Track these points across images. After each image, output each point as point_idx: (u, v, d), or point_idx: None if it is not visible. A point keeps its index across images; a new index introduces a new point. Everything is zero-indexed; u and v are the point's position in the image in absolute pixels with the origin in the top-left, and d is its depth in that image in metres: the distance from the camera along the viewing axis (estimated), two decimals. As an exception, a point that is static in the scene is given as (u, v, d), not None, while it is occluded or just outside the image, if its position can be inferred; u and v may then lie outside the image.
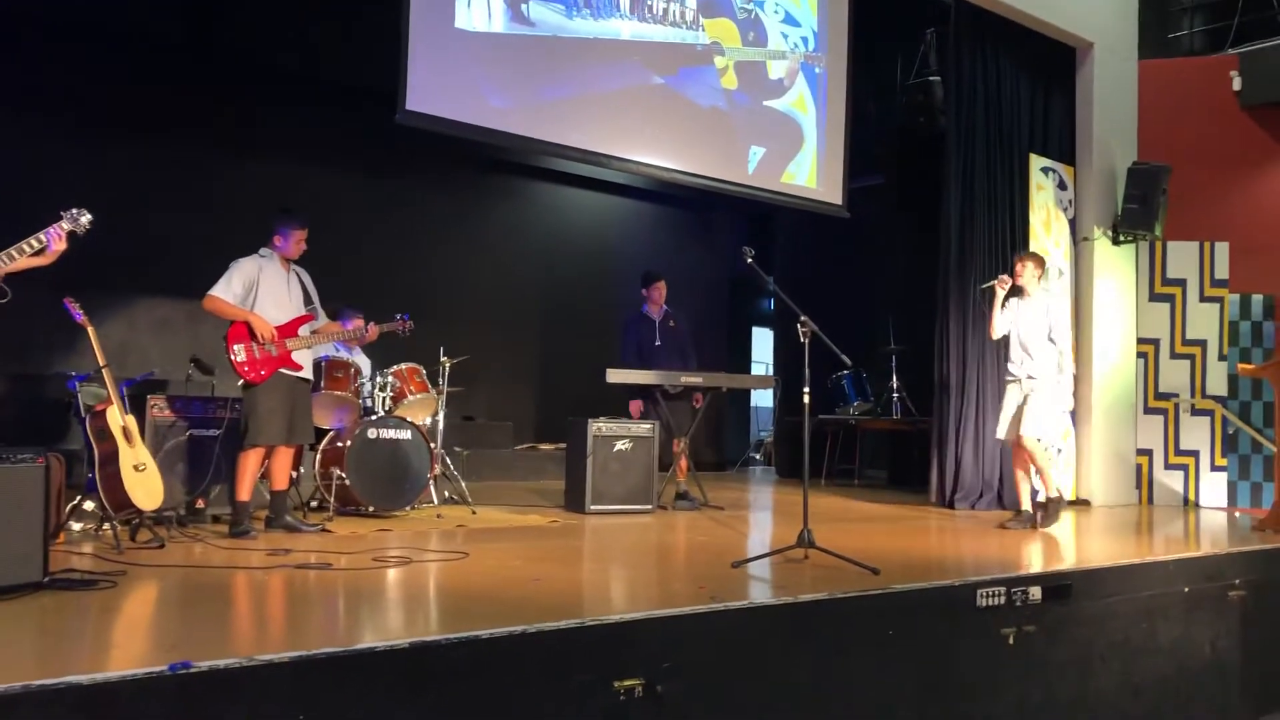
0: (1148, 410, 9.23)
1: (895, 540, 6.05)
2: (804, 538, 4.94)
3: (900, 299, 10.67)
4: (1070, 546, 6.48)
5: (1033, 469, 7.05)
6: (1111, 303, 9.12)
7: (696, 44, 8.11)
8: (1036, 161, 8.89)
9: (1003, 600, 4.54)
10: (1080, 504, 8.82)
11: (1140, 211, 8.84)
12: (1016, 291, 7.11)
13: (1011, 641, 4.54)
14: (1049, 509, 7.03)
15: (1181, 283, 9.25)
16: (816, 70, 8.92)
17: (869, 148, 9.94)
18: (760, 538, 6.31)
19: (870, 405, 10.53)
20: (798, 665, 3.88)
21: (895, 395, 10.39)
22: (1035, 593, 4.66)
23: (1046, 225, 8.92)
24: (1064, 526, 7.10)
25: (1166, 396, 9.18)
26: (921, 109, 9.15)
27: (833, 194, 9.01)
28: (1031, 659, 4.62)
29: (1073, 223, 9.15)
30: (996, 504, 8.17)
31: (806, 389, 5.23)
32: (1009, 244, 8.57)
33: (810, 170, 8.87)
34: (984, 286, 7.18)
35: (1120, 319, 9.19)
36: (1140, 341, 9.28)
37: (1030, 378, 6.92)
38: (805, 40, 8.85)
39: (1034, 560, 5.63)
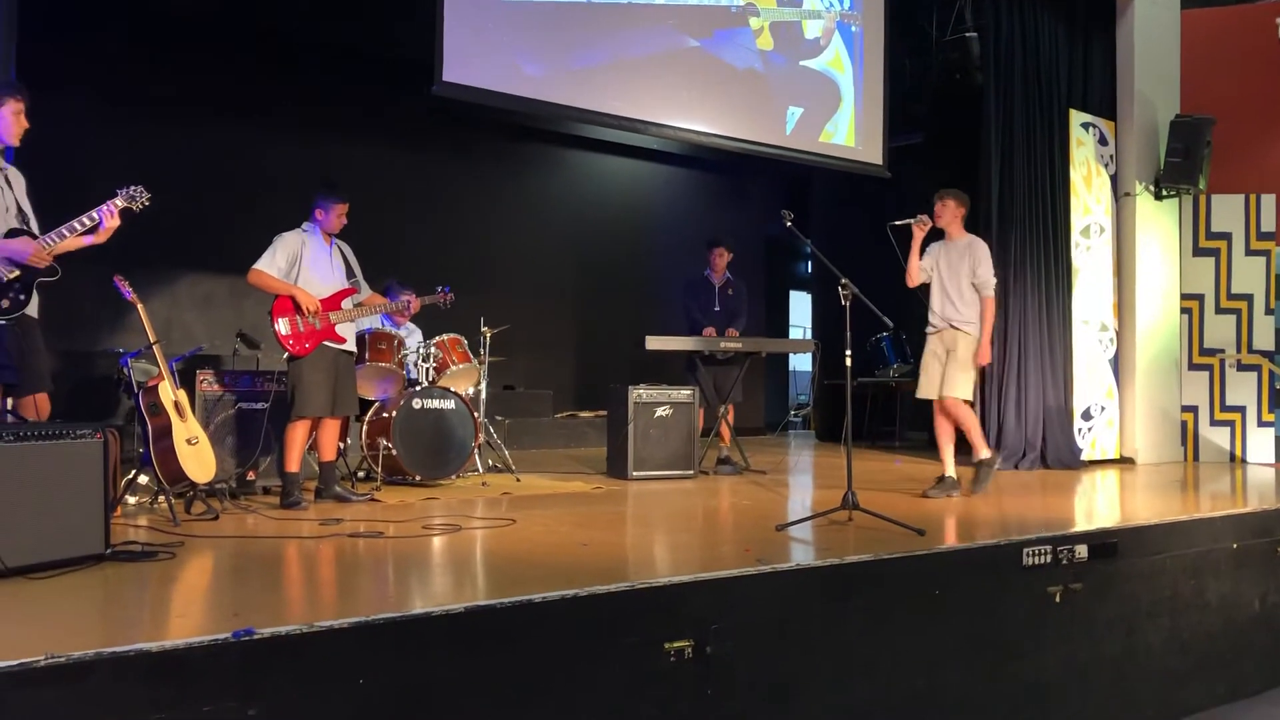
0: (1192, 366, 9.14)
1: (939, 501, 6.04)
2: (848, 500, 4.96)
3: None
4: (1116, 504, 6.46)
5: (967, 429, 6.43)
6: (1154, 258, 9.01)
7: (731, 5, 8.06)
8: (1076, 117, 8.78)
9: (1049, 559, 4.54)
10: (1125, 462, 8.78)
11: (1183, 165, 8.71)
12: (938, 234, 6.53)
13: (1058, 600, 4.55)
14: (980, 472, 6.42)
15: (1226, 236, 9.12)
16: (853, 28, 8.84)
17: (905, 106, 9.84)
18: (803, 501, 6.33)
19: (910, 367, 10.48)
20: (844, 626, 3.91)
21: (935, 356, 10.32)
22: (1081, 551, 4.65)
23: (1087, 181, 8.81)
24: (1107, 485, 7.06)
25: (1212, 352, 9.08)
26: (958, 66, 9.04)
27: (872, 153, 8.97)
28: (1078, 617, 4.62)
29: (1114, 178, 9.03)
30: (1040, 464, 8.15)
31: (848, 351, 5.24)
32: (1049, 201, 8.49)
33: (848, 129, 8.82)
34: (897, 224, 6.25)
35: (1163, 275, 9.08)
36: (1184, 297, 9.18)
37: (954, 328, 6.32)
38: (840, -1, 8.77)
39: (1079, 518, 5.62)
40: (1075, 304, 8.58)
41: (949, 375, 6.29)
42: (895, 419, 10.83)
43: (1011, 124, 8.37)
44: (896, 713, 3.98)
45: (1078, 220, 8.69)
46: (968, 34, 8.93)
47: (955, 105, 9.44)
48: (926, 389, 6.41)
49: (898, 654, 4.02)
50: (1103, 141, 8.96)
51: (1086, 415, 8.63)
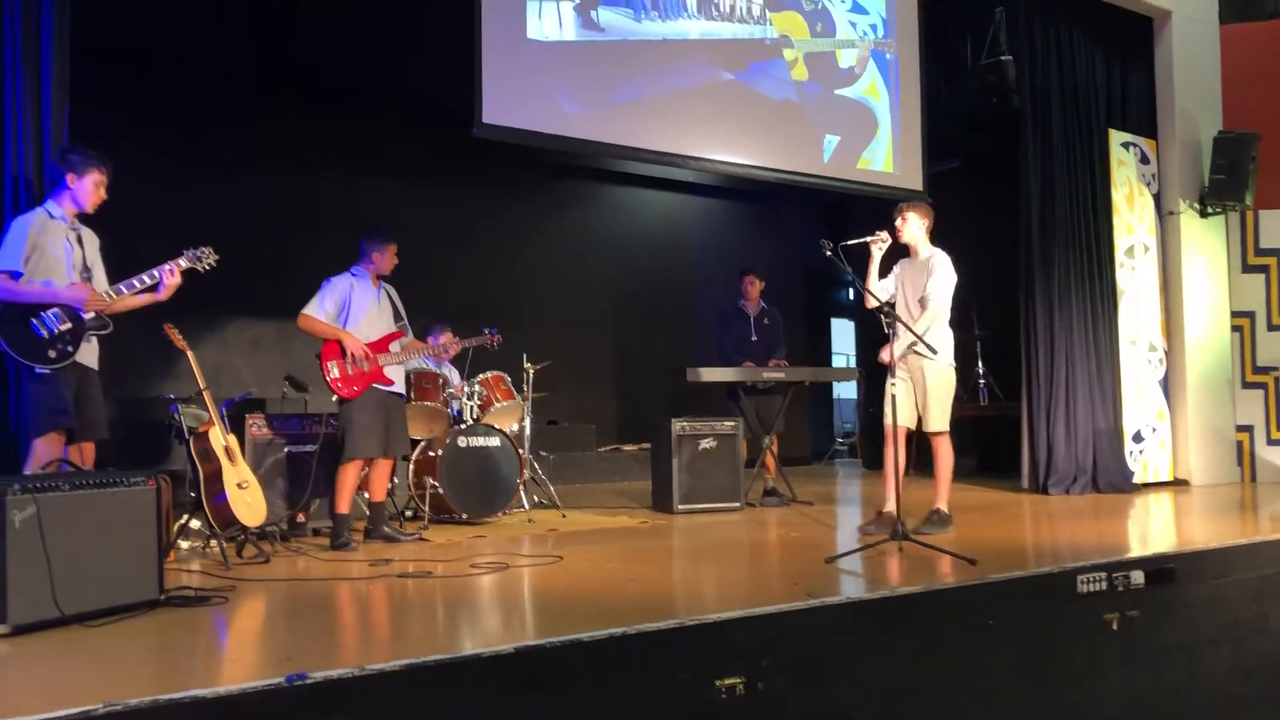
0: (1246, 385, 8.98)
1: (990, 529, 5.97)
2: (897, 530, 4.91)
3: (981, 284, 10.47)
4: (1171, 528, 6.34)
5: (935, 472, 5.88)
6: (1201, 276, 8.90)
7: (765, 38, 8.11)
8: (1116, 137, 8.71)
9: (1104, 586, 4.47)
10: (1179, 484, 8.63)
11: (1228, 181, 8.61)
12: (903, 251, 5.94)
13: (1115, 627, 4.47)
14: (932, 519, 5.81)
15: (1276, 252, 8.99)
16: (887, 56, 8.85)
17: (942, 131, 9.82)
18: (851, 532, 6.26)
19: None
20: (897, 658, 3.87)
21: (981, 381, 10.24)
22: (1137, 577, 4.57)
23: (1129, 201, 8.73)
24: (1162, 508, 6.92)
25: (1266, 370, 8.92)
26: (994, 89, 9.01)
27: (911, 179, 8.95)
28: (1137, 644, 4.53)
29: (1157, 197, 8.95)
30: (1091, 487, 8.02)
31: (891, 380, 5.21)
32: (1091, 221, 8.43)
33: (886, 155, 8.82)
34: (851, 244, 5.53)
35: (1211, 292, 8.96)
36: (1234, 315, 9.04)
37: (917, 354, 5.66)
38: (874, 27, 8.79)
39: (1135, 544, 5.53)
40: (1122, 325, 8.48)
41: (926, 409, 5.72)
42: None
43: (1050, 145, 8.32)
44: (953, 746, 3.92)
45: (1121, 240, 8.60)
46: (1003, 57, 8.91)
47: (993, 128, 9.41)
48: (905, 415, 5.68)
49: (952, 686, 3.96)
50: (1144, 160, 8.88)
51: (1138, 437, 8.50)
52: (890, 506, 5.49)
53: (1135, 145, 8.83)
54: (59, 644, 3.30)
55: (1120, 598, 4.50)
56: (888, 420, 5.64)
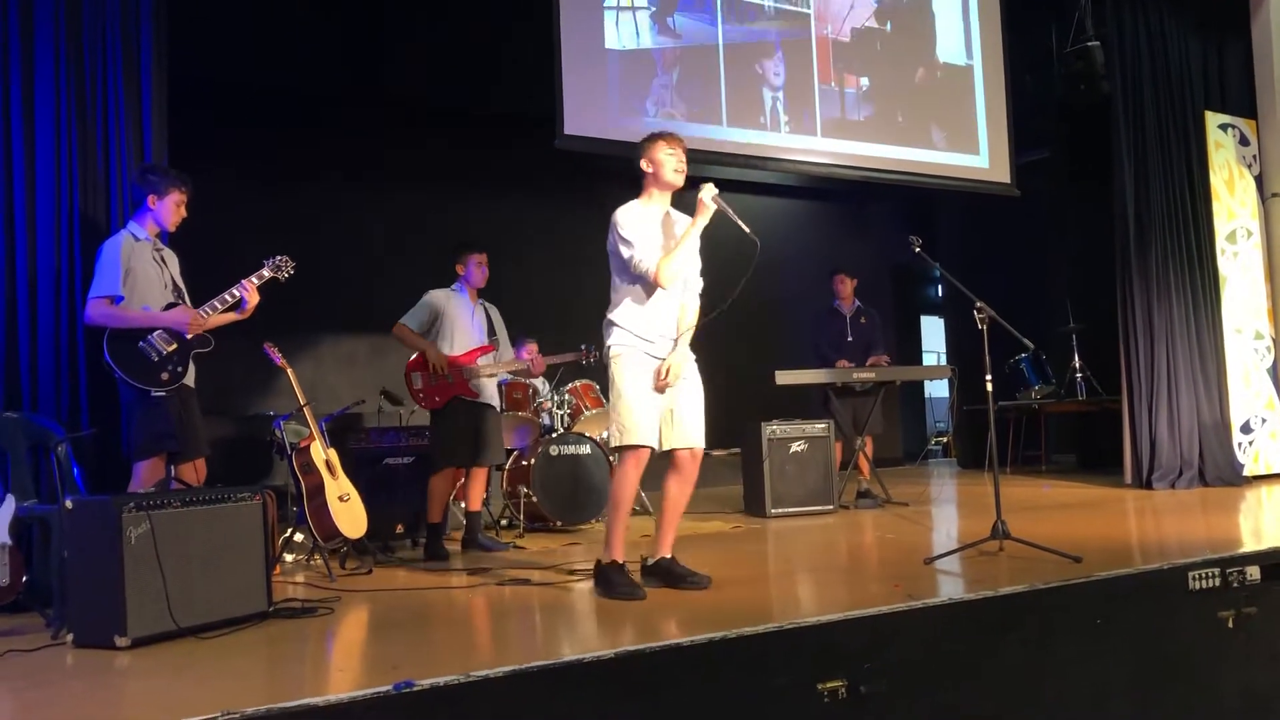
0: (1361, 371, 8.61)
1: (1094, 526, 5.82)
2: (998, 529, 4.82)
3: (1075, 275, 10.28)
4: (1287, 521, 6.12)
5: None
6: (1310, 260, 8.56)
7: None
8: (1213, 119, 8.44)
9: (1217, 582, 4.32)
10: (1292, 476, 8.32)
11: (1335, 159, 8.28)
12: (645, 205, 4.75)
13: (1231, 625, 4.32)
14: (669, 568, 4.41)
15: (1388, 232, 8.61)
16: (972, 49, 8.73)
17: (1030, 122, 9.63)
18: (949, 532, 6.16)
19: (1053, 387, 10.15)
20: (1002, 660, 3.79)
21: (1078, 375, 10.00)
22: (1253, 572, 4.41)
23: (1229, 184, 8.45)
24: (1275, 501, 6.68)
25: (1383, 355, 8.55)
26: (1082, 77, 8.79)
27: (999, 172, 8.82)
28: (1255, 643, 4.37)
29: (1258, 179, 8.64)
30: (1198, 481, 7.76)
31: (988, 376, 5.11)
32: (1189, 208, 8.17)
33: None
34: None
35: (1321, 276, 8.61)
36: (1347, 298, 8.67)
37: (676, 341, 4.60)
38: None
39: (1248, 538, 5.34)
40: (1225, 312, 8.20)
41: (696, 417, 4.54)
42: (1040, 442, 10.50)
43: (1143, 131, 8.10)
44: (1063, 749, 3.83)
45: (1222, 225, 8.33)
46: (1090, 43, 8.70)
47: (1082, 117, 9.19)
48: (646, 433, 4.28)
49: (1061, 688, 3.87)
50: (1244, 142, 8.59)
51: (1246, 428, 8.21)
52: (665, 551, 4.44)
53: (1234, 127, 8.55)
54: (175, 655, 3.41)
55: (1235, 594, 4.35)
56: (649, 440, 4.31)
